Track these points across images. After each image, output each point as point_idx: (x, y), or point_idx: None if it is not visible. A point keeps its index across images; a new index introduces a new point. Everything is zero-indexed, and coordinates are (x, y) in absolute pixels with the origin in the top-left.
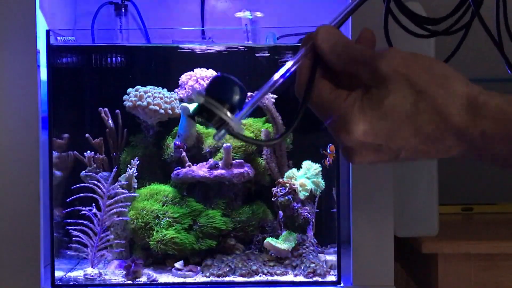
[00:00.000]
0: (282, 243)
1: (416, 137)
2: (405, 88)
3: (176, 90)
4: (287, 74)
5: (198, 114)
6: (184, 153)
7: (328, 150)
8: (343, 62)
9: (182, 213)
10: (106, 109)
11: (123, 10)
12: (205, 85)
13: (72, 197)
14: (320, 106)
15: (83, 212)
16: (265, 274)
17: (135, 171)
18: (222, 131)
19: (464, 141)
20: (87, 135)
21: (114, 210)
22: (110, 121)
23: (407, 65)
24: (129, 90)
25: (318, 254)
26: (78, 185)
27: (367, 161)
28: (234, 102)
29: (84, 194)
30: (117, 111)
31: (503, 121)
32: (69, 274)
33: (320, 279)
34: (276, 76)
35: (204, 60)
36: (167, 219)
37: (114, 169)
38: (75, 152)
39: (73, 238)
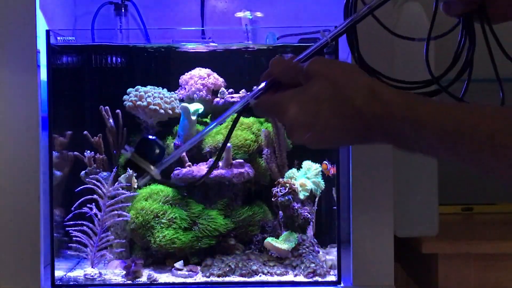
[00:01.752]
0: (282, 243)
1: (334, 116)
2: (323, 80)
3: (178, 90)
4: (238, 106)
5: (127, 166)
6: (184, 153)
7: (327, 166)
8: (289, 77)
9: (182, 213)
10: (107, 107)
11: (123, 10)
12: (202, 85)
13: (77, 203)
14: (269, 104)
15: (84, 211)
16: (265, 274)
17: None
18: (145, 177)
19: (364, 120)
20: (85, 132)
21: (115, 211)
22: (110, 120)
23: (326, 65)
24: (129, 90)
25: (319, 253)
26: (80, 188)
27: (303, 139)
28: (154, 157)
29: (85, 197)
30: (117, 110)
31: (390, 106)
32: (69, 274)
33: (320, 279)
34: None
35: (204, 60)
36: (167, 219)
37: (114, 169)
38: (75, 152)
39: (73, 238)
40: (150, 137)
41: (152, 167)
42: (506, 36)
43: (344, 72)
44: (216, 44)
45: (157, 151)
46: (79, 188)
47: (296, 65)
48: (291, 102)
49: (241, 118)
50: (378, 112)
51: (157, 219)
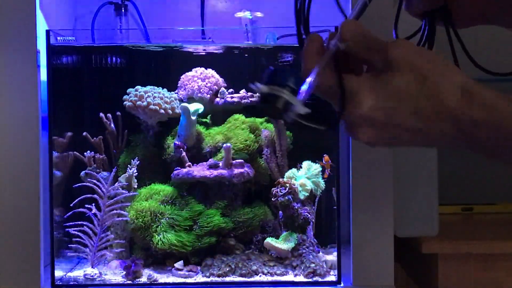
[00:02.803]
0: (282, 243)
1: (414, 116)
2: (410, 73)
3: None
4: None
5: (264, 101)
6: (184, 153)
7: (323, 161)
8: (361, 49)
9: (182, 213)
10: (109, 115)
11: (123, 10)
12: (202, 85)
13: (75, 201)
14: (329, 86)
15: (84, 210)
16: (265, 274)
17: (135, 171)
18: (291, 111)
19: (456, 125)
20: (85, 133)
21: (114, 210)
22: (112, 125)
23: (414, 55)
24: (129, 90)
25: (319, 253)
26: (78, 184)
27: (368, 137)
28: (293, 85)
29: (85, 196)
30: (118, 113)
31: (492, 111)
32: (69, 274)
33: (320, 279)
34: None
35: (204, 60)
36: (167, 219)
37: (113, 169)
38: (75, 152)
39: (73, 238)
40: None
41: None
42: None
43: (436, 66)
44: (216, 44)
45: (293, 77)
46: (77, 185)
47: (377, 38)
48: (366, 92)
49: (241, 118)
50: (478, 118)
51: (157, 219)
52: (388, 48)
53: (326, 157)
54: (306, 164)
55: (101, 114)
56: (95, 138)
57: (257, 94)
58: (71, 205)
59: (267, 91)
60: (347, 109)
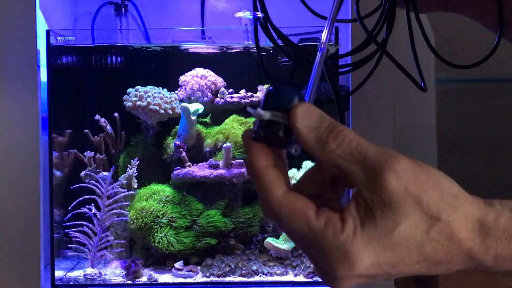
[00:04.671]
0: (282, 243)
1: (421, 263)
2: (416, 213)
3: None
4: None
5: (265, 129)
6: (184, 153)
7: None
8: (341, 162)
9: (182, 213)
10: (103, 119)
11: (123, 10)
12: (202, 85)
13: (74, 202)
14: (303, 238)
15: (83, 210)
16: (265, 274)
17: (135, 171)
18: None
19: (473, 263)
20: (86, 130)
21: (114, 210)
22: (108, 127)
23: (419, 184)
24: (129, 90)
25: None
26: (77, 185)
27: (354, 285)
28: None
29: (84, 197)
30: (115, 114)
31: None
32: (69, 274)
33: (320, 279)
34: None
35: (204, 60)
36: (167, 219)
37: (112, 168)
38: (75, 150)
39: (73, 238)
40: (277, 86)
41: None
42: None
43: (444, 197)
44: (216, 44)
45: (296, 98)
46: (75, 186)
47: (358, 148)
48: (361, 248)
49: (241, 117)
50: (501, 253)
51: (157, 219)
52: (383, 171)
53: None
54: (306, 164)
55: (97, 117)
56: (96, 136)
57: (256, 119)
58: (69, 208)
59: (267, 117)
60: (337, 271)
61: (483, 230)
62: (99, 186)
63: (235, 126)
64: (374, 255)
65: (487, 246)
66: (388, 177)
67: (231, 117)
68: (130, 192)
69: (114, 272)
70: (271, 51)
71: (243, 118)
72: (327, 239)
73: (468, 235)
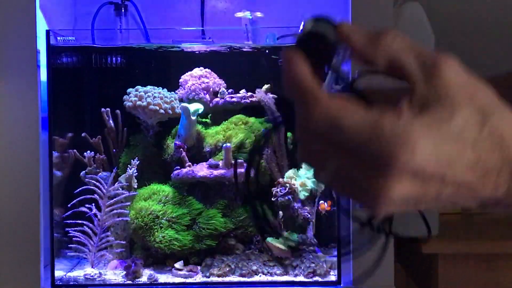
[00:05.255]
0: (282, 243)
1: (474, 169)
2: (470, 107)
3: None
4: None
5: (305, 42)
6: (184, 153)
7: (325, 205)
8: (398, 58)
9: (182, 213)
10: (108, 109)
11: (123, 10)
12: (202, 85)
13: (74, 201)
14: (354, 137)
15: (84, 210)
16: (265, 274)
17: (135, 171)
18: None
19: None
20: (84, 134)
21: (114, 210)
22: (110, 121)
23: (471, 81)
24: (129, 90)
25: (319, 253)
26: (79, 189)
27: (403, 194)
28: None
29: (85, 196)
30: (117, 111)
31: None
32: (69, 274)
33: (320, 279)
34: None
35: (204, 60)
36: (167, 219)
37: (114, 169)
38: (74, 150)
39: (73, 238)
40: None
41: None
42: None
43: (493, 100)
44: (216, 44)
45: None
46: (78, 190)
47: (417, 48)
48: (424, 136)
49: (241, 118)
50: None
51: (157, 219)
52: (439, 66)
53: (322, 205)
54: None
55: (103, 110)
56: (94, 138)
57: (300, 30)
58: (68, 205)
59: (309, 28)
60: (398, 159)
61: None
62: (100, 186)
63: (238, 124)
64: (433, 144)
65: None
66: (445, 68)
67: (234, 117)
68: (131, 193)
69: (114, 272)
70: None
71: (246, 117)
72: (386, 125)
73: None
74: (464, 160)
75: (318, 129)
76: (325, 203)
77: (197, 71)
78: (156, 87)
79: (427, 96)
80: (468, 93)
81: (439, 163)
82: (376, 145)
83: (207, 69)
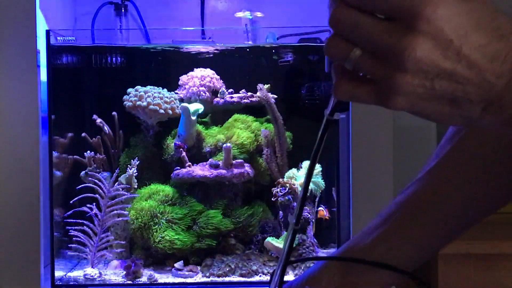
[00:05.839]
0: (282, 243)
1: (486, 50)
2: None
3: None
4: None
5: None
6: (184, 153)
7: (325, 212)
8: None
9: (182, 213)
10: (99, 119)
11: (123, 10)
12: (202, 85)
13: (75, 199)
14: None
15: (84, 209)
16: (265, 274)
17: (135, 171)
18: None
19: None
20: (83, 134)
21: (115, 211)
22: (105, 127)
23: None
24: (129, 90)
25: (319, 253)
26: (81, 186)
27: (425, 56)
28: None
29: (85, 195)
30: (114, 113)
31: None
32: (69, 274)
33: None
34: None
35: (204, 60)
36: (167, 219)
37: (116, 171)
38: (75, 156)
39: (73, 238)
40: None
41: None
42: None
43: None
44: (216, 44)
45: None
46: (80, 186)
47: None
48: None
49: (241, 117)
50: None
51: (157, 219)
52: None
53: (321, 211)
54: (306, 164)
55: (95, 117)
56: (93, 138)
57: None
58: (70, 202)
59: None
60: (424, 9)
61: None
62: (102, 186)
63: (238, 124)
64: (454, 9)
65: None
66: None
67: (234, 117)
68: (132, 195)
69: (114, 272)
70: (273, 51)
71: (245, 117)
72: None
73: None
74: (478, 37)
75: None
76: (324, 210)
77: (197, 71)
78: (156, 87)
79: None
80: None
81: (457, 31)
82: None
83: (207, 69)
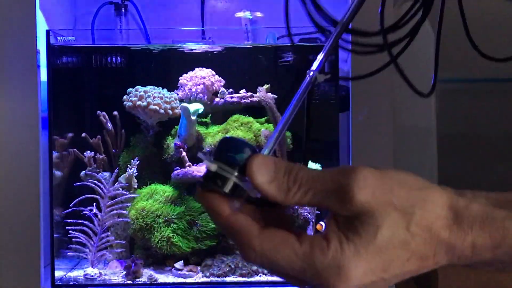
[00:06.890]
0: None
1: (410, 261)
2: (392, 213)
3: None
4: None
5: (210, 180)
6: (184, 153)
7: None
8: (312, 197)
9: (182, 213)
10: (104, 113)
11: (123, 10)
12: (202, 85)
13: (75, 201)
14: (293, 267)
15: (84, 212)
16: (265, 274)
17: (135, 171)
18: (239, 196)
19: (455, 255)
20: (84, 134)
21: (115, 211)
22: (108, 124)
23: (384, 186)
24: (129, 90)
25: None
26: (80, 183)
27: None
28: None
29: (85, 196)
30: (115, 112)
31: (488, 227)
32: (69, 274)
33: None
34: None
35: (204, 60)
36: (166, 219)
37: (115, 170)
38: (74, 150)
39: (73, 239)
40: (231, 137)
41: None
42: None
43: (412, 192)
44: (216, 44)
45: (247, 153)
46: (78, 183)
47: (324, 180)
48: (354, 262)
49: (241, 117)
50: (475, 241)
51: (157, 219)
52: (348, 189)
53: (319, 226)
54: (309, 165)
55: (99, 112)
56: (94, 138)
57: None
58: (70, 205)
59: (214, 169)
60: (329, 286)
61: (457, 217)
62: (101, 186)
63: (237, 125)
64: (365, 262)
65: (463, 233)
66: (354, 191)
67: (234, 117)
68: (132, 195)
69: (114, 272)
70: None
71: (245, 117)
72: (317, 259)
73: (444, 223)
74: (399, 261)
75: (258, 265)
76: (323, 226)
77: (197, 71)
78: (156, 87)
79: (350, 219)
80: (384, 200)
81: (374, 273)
82: (313, 276)
83: (207, 69)
